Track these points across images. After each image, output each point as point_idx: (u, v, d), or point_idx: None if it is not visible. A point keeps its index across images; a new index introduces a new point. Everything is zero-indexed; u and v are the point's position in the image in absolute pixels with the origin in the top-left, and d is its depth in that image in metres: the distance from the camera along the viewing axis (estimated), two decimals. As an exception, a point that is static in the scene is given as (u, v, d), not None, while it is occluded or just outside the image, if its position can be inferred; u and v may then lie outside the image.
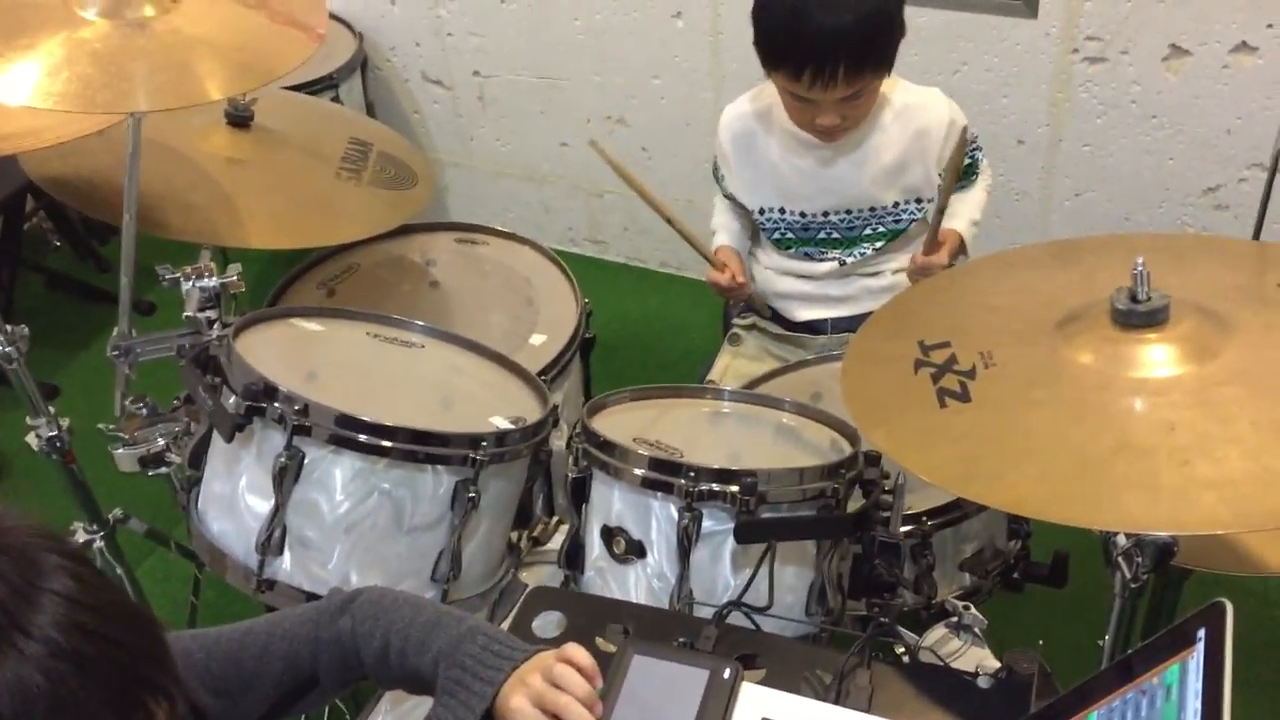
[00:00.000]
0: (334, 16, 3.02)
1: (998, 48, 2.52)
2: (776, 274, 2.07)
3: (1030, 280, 1.26)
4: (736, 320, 2.18)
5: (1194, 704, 0.75)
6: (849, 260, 1.99)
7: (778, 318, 2.11)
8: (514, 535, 1.64)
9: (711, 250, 2.02)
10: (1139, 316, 1.10)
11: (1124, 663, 0.82)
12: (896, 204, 1.93)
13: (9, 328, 1.81)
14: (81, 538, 2.09)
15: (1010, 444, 1.05)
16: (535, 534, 1.73)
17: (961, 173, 1.93)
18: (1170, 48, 2.37)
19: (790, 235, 1.99)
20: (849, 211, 1.94)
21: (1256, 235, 1.54)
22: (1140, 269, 1.10)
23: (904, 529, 1.57)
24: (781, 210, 1.97)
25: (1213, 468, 0.95)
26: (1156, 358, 1.08)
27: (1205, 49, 2.34)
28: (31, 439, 1.93)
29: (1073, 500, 0.97)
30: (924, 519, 1.59)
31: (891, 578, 1.51)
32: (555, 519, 1.76)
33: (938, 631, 1.49)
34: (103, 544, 2.11)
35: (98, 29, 1.44)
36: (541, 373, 1.86)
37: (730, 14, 2.70)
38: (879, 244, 1.97)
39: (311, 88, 2.74)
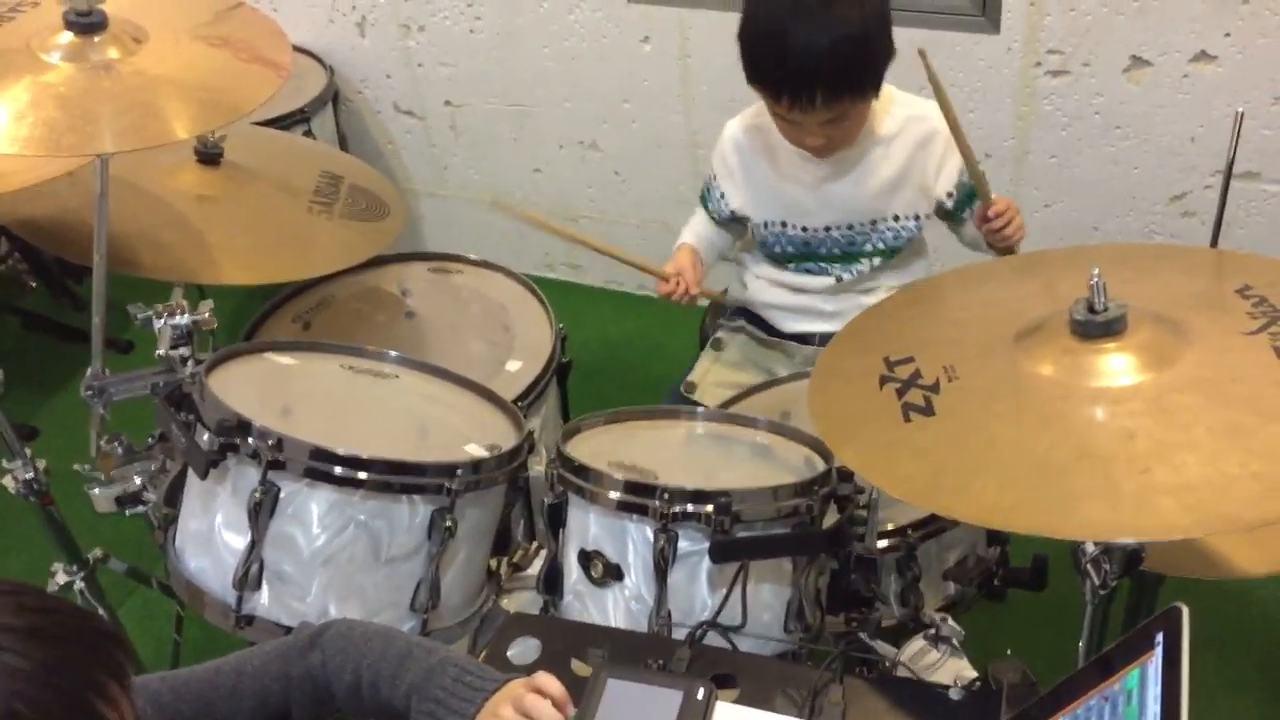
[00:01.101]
0: (304, 50, 3.03)
1: (962, 63, 2.55)
2: (768, 284, 2.07)
3: (992, 294, 1.28)
4: (722, 322, 2.18)
5: (1154, 708, 0.76)
6: (846, 277, 1.98)
7: (763, 325, 2.12)
8: (493, 562, 1.64)
9: (662, 264, 1.99)
10: (1097, 327, 1.11)
11: (1087, 669, 0.83)
12: (897, 217, 1.93)
13: (-20, 370, 1.81)
14: (62, 579, 2.09)
15: (973, 456, 1.06)
16: (515, 560, 1.73)
17: (972, 188, 1.92)
18: (1131, 59, 2.40)
19: (791, 250, 1.99)
20: (850, 227, 1.94)
21: (1214, 242, 1.56)
22: (1097, 280, 1.11)
23: (887, 542, 1.58)
24: (784, 225, 1.96)
25: (1171, 474, 0.97)
26: (1115, 367, 1.10)
27: (1165, 59, 2.38)
28: (8, 481, 1.93)
29: (1035, 509, 0.98)
30: (908, 531, 1.60)
31: (869, 592, 1.52)
32: (535, 544, 1.76)
33: (916, 644, 1.49)
34: (83, 584, 2.10)
35: (62, 73, 1.45)
36: (518, 399, 1.86)
37: (698, 37, 2.72)
38: (877, 261, 1.97)
39: (283, 122, 2.75)
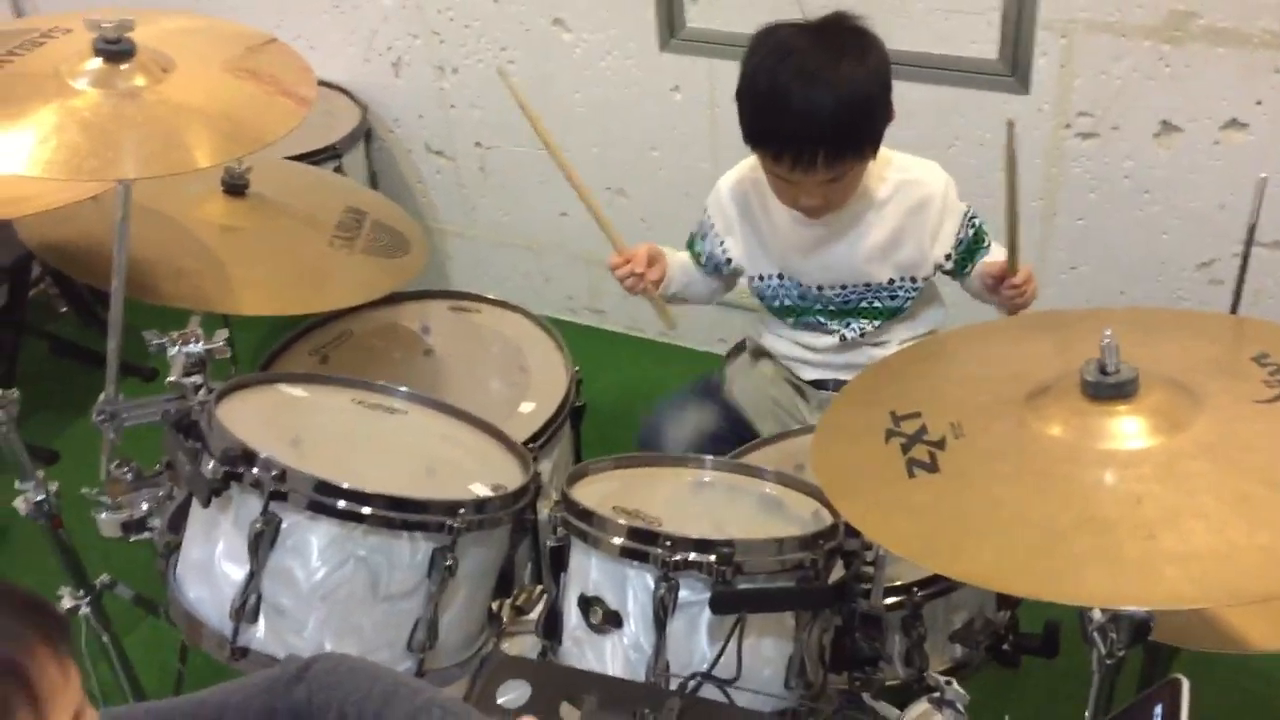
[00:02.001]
0: (338, 88, 3.08)
1: (990, 123, 2.54)
2: (788, 342, 2.05)
3: (1004, 351, 1.26)
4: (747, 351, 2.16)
5: (1149, 782, 0.74)
6: (849, 335, 1.96)
7: (784, 370, 2.09)
8: (495, 604, 1.63)
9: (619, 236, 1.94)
10: (1108, 388, 1.09)
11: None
12: (892, 281, 1.91)
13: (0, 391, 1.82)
14: (68, 603, 2.09)
15: (974, 516, 1.04)
16: (519, 602, 1.71)
17: (973, 244, 1.92)
18: (1161, 124, 2.39)
19: (789, 303, 1.97)
20: (844, 286, 1.92)
21: (1234, 309, 1.54)
22: (1109, 340, 1.10)
23: (893, 600, 1.56)
24: (780, 277, 1.95)
25: (1178, 541, 0.94)
26: (1125, 429, 1.07)
27: (1196, 125, 2.36)
28: (19, 503, 1.93)
29: (1037, 572, 0.96)
30: (914, 589, 1.57)
31: (873, 651, 1.49)
32: (540, 588, 1.74)
33: (920, 706, 1.46)
34: (89, 610, 2.10)
35: (89, 99, 1.47)
36: (530, 440, 1.86)
37: (727, 87, 2.70)
38: (877, 321, 1.95)
39: (315, 158, 2.78)
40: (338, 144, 2.86)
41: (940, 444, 1.12)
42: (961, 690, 1.47)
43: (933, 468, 1.09)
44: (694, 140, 2.86)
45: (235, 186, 1.97)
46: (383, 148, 3.20)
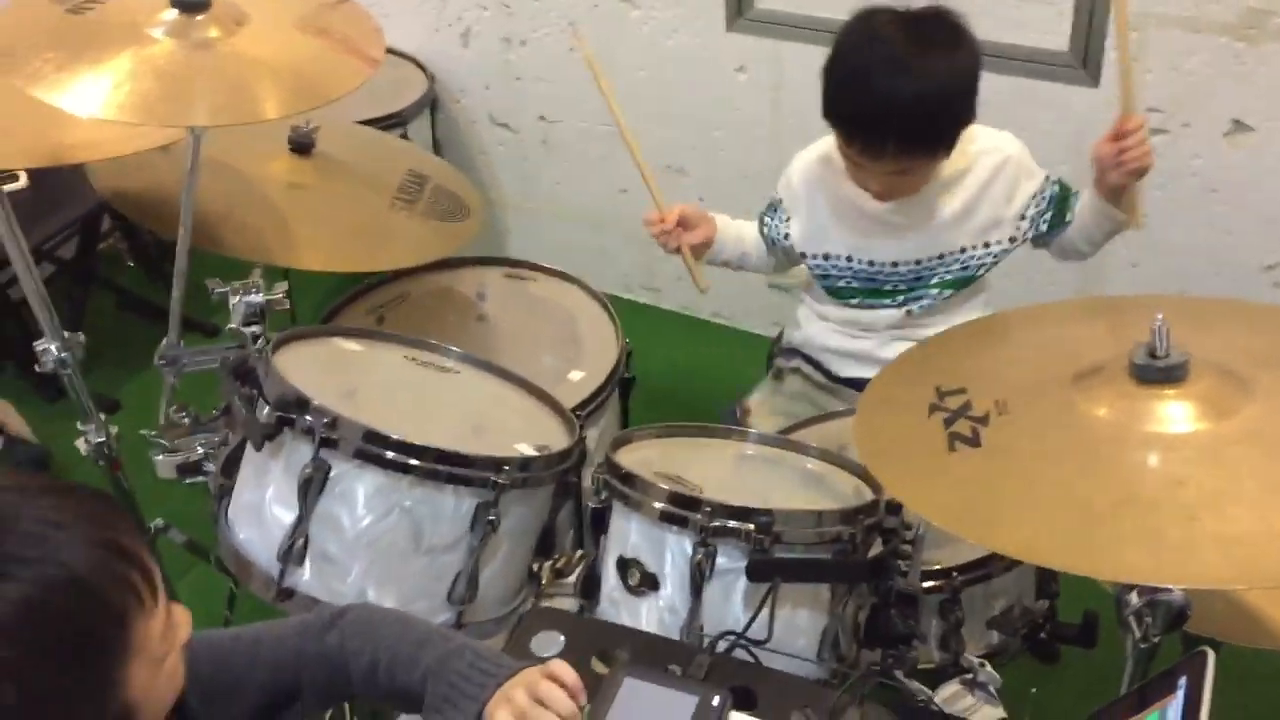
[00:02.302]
0: (406, 56, 3.11)
1: (1057, 114, 2.51)
2: (831, 327, 2.05)
3: (1054, 333, 1.25)
4: (780, 361, 2.17)
5: (1170, 753, 0.74)
6: (915, 309, 1.95)
7: (819, 368, 2.10)
8: (536, 564, 1.65)
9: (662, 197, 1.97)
10: (1157, 372, 1.09)
11: (1110, 708, 0.81)
12: (964, 249, 1.90)
13: (66, 334, 1.88)
14: (123, 544, 2.15)
15: (1015, 490, 1.04)
16: (559, 566, 1.73)
17: (1062, 196, 1.92)
18: (1233, 123, 2.35)
19: (855, 284, 1.96)
20: (918, 262, 1.91)
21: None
22: (1160, 324, 1.09)
23: (932, 584, 1.56)
24: (849, 259, 1.94)
25: (1219, 524, 0.94)
26: (1172, 414, 1.07)
27: (1269, 125, 2.32)
28: (80, 444, 1.99)
29: (1072, 548, 0.96)
30: (953, 574, 1.57)
31: (907, 629, 1.49)
32: (580, 553, 1.76)
33: (952, 686, 1.47)
34: (143, 552, 2.16)
35: (164, 48, 1.51)
36: (577, 408, 1.87)
37: (793, 70, 2.73)
38: (947, 293, 1.94)
39: (380, 124, 2.81)
40: (404, 111, 2.89)
41: (983, 420, 1.12)
42: (994, 673, 1.48)
43: (974, 442, 1.10)
44: (756, 123, 2.86)
45: (302, 145, 2.01)
46: (447, 118, 3.23)
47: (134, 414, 2.86)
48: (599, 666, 1.15)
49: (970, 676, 1.48)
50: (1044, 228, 1.90)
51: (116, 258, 3.58)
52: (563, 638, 1.20)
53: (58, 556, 0.86)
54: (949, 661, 1.58)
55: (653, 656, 1.15)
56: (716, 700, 1.04)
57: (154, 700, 0.95)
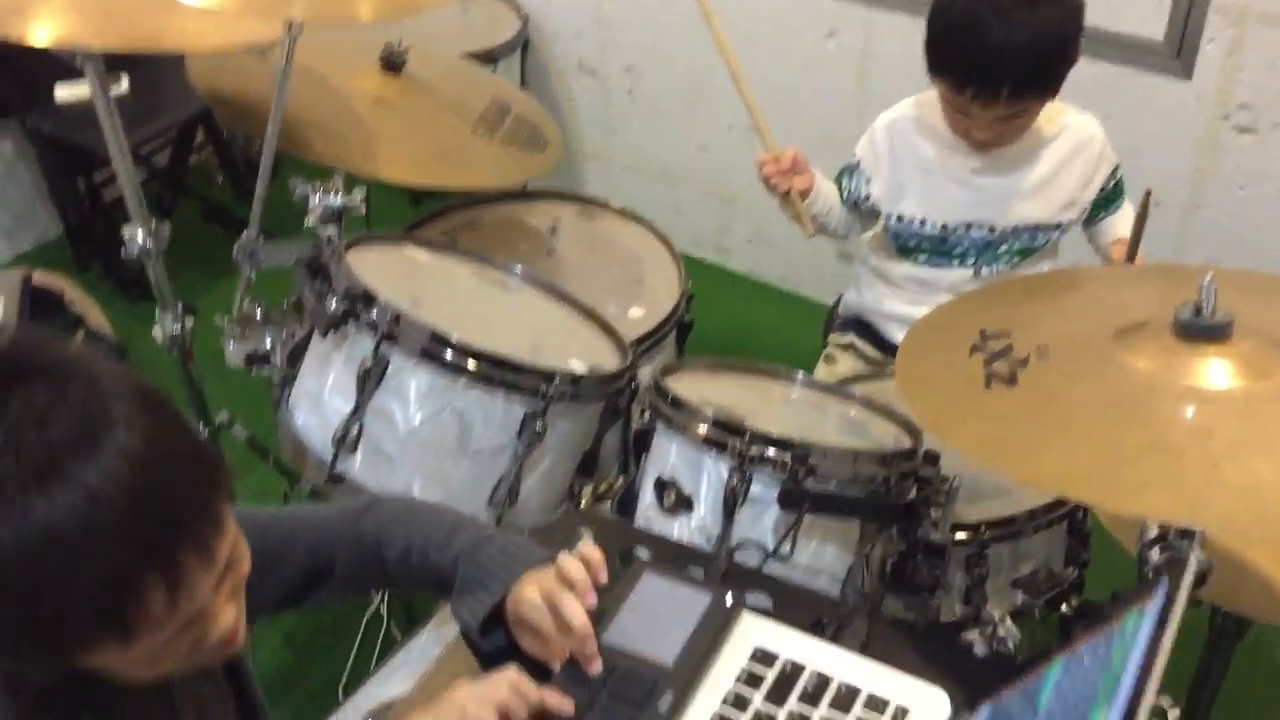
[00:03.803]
0: (504, -3, 3.15)
1: (1146, 105, 2.49)
2: (893, 291, 2.06)
3: (1103, 293, 1.26)
4: (833, 338, 2.20)
5: (1142, 645, 0.77)
6: (985, 271, 1.97)
7: (875, 338, 2.12)
8: (577, 484, 1.69)
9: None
10: (1200, 329, 1.10)
11: (1097, 612, 0.84)
12: (1039, 225, 1.92)
13: (153, 223, 1.96)
14: (188, 435, 2.24)
15: (1045, 427, 1.06)
16: (599, 489, 1.78)
17: (1111, 194, 1.95)
18: (1325, 126, 2.32)
19: (925, 246, 1.99)
20: (992, 229, 1.93)
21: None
22: (1208, 284, 1.10)
23: (960, 536, 1.58)
24: (923, 222, 1.96)
25: (1240, 474, 0.95)
26: (1209, 370, 1.08)
27: (1361, 131, 2.29)
28: (156, 332, 2.08)
29: (1095, 483, 0.98)
30: (982, 529, 1.59)
31: (932, 578, 1.52)
32: (622, 480, 1.80)
33: (970, 635, 1.49)
34: (206, 443, 2.25)
35: (268, -56, 1.57)
36: (634, 343, 1.91)
37: (882, 40, 2.74)
38: (1015, 260, 1.96)
39: (471, 60, 2.86)
40: (495, 50, 2.94)
41: (1023, 362, 1.14)
42: (1015, 629, 1.49)
43: (1011, 381, 1.12)
44: (840, 90, 2.87)
45: (393, 63, 2.06)
46: (537, 61, 3.27)
47: (210, 320, 2.95)
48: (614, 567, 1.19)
49: (990, 629, 1.50)
50: (1087, 215, 1.95)
51: (206, 171, 3.69)
52: (591, 536, 1.24)
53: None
54: (970, 616, 1.60)
55: (675, 559, 1.19)
56: (729, 600, 1.08)
57: (129, 674, 0.87)
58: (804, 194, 1.99)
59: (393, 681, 1.21)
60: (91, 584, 0.77)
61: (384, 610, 2.25)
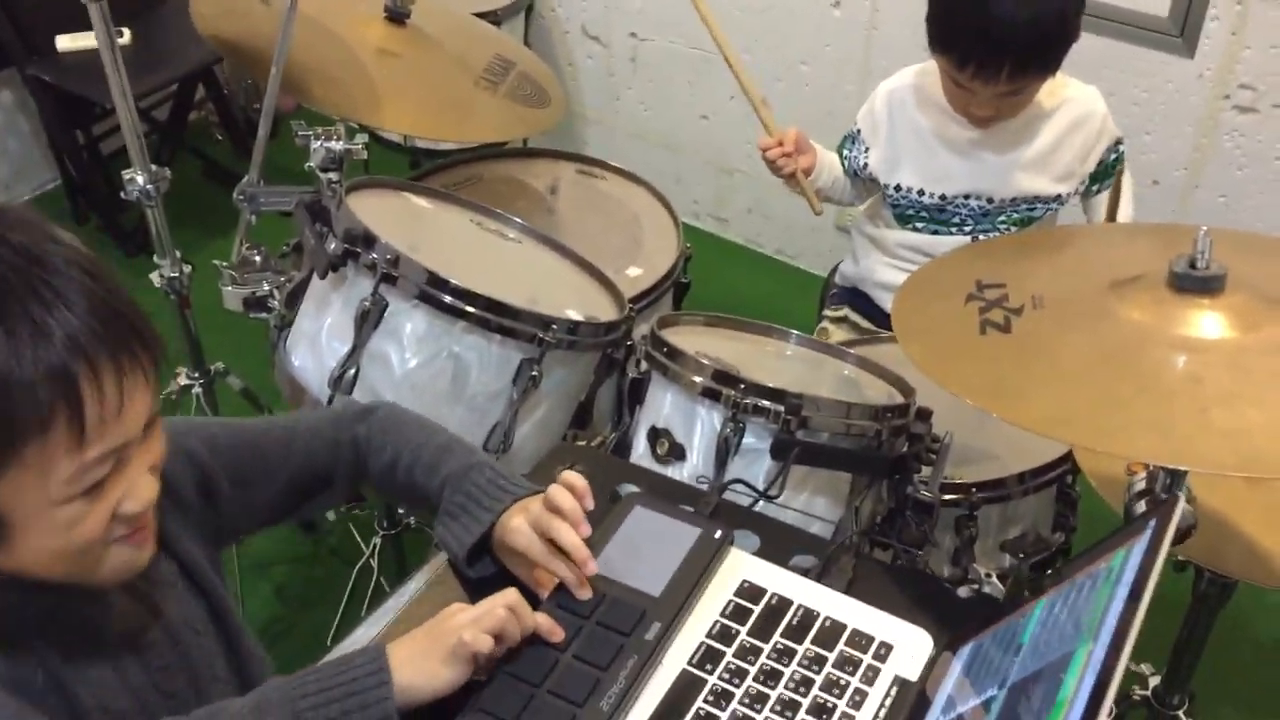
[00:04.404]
0: (509, -42, 3.14)
1: (1148, 82, 2.50)
2: (889, 260, 2.07)
3: (1100, 249, 1.27)
4: (827, 312, 2.21)
5: (1126, 583, 0.78)
6: (982, 239, 1.97)
7: (869, 309, 2.13)
8: (571, 434, 1.70)
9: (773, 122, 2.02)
10: (1194, 281, 1.11)
11: (1083, 553, 0.85)
12: (1037, 196, 1.93)
13: (153, 168, 1.96)
14: (183, 381, 2.24)
15: (1037, 371, 1.07)
16: (592, 443, 1.79)
17: (1111, 166, 1.96)
18: (1325, 107, 2.33)
19: (924, 215, 2.00)
20: (990, 200, 1.94)
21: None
22: (1203, 237, 1.11)
23: (950, 497, 1.59)
24: (921, 192, 1.97)
25: (1229, 419, 0.96)
26: (1201, 321, 1.09)
27: (1362, 113, 2.30)
28: (155, 277, 2.08)
29: (1084, 425, 0.99)
30: (972, 490, 1.61)
31: (920, 534, 1.53)
32: (615, 434, 1.81)
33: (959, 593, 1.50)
34: (200, 390, 2.25)
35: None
36: (632, 300, 1.92)
37: (889, 9, 2.74)
38: (1012, 230, 1.97)
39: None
40: (499, 11, 2.94)
41: (1018, 311, 1.15)
42: (1000, 585, 1.51)
43: (1005, 329, 1.13)
44: (846, 60, 2.87)
45: (397, 15, 2.06)
46: (541, 24, 3.27)
47: (205, 277, 2.95)
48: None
49: (977, 587, 1.51)
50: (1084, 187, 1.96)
51: (206, 129, 3.69)
52: (584, 470, 1.24)
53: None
54: (959, 577, 1.61)
55: (665, 494, 1.20)
56: (718, 535, 1.09)
57: (31, 529, 0.87)
58: (807, 171, 2.00)
59: (380, 627, 1.21)
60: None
61: (374, 563, 2.26)
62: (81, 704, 0.93)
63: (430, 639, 0.95)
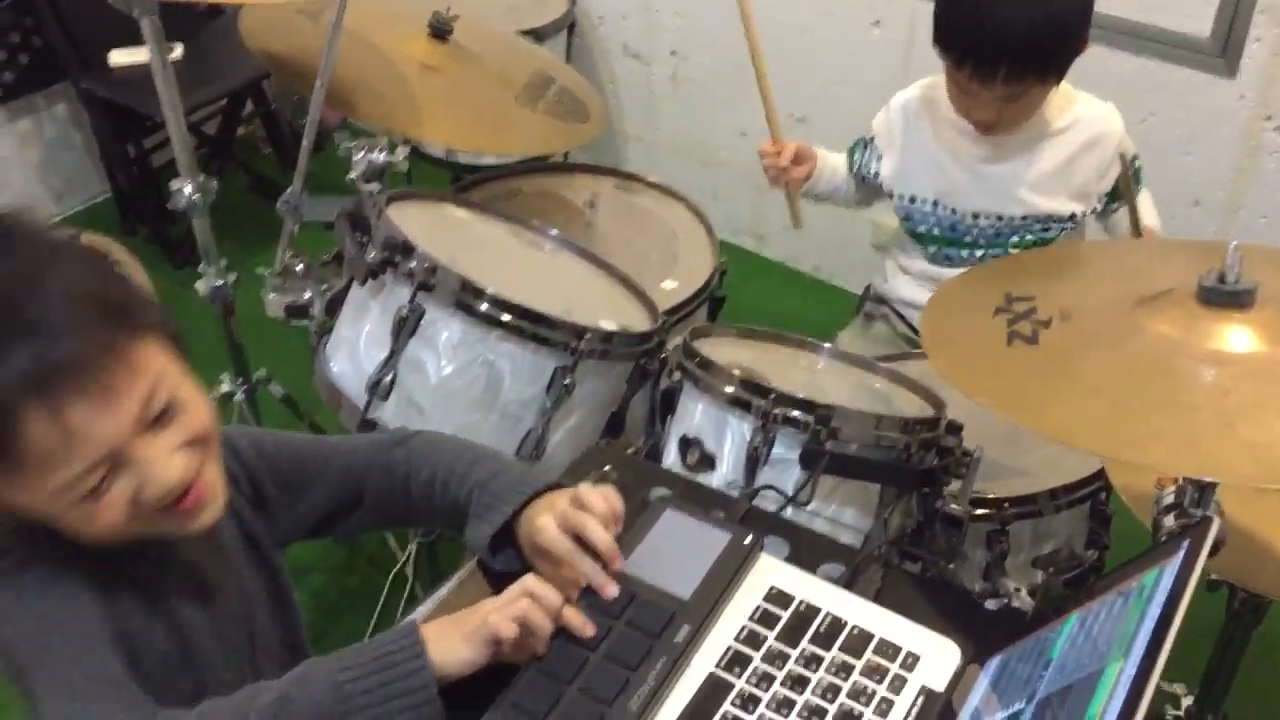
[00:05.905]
0: (552, -23, 3.18)
1: (1189, 102, 2.49)
2: (914, 281, 2.08)
3: (1134, 263, 1.27)
4: (870, 308, 2.21)
5: (1159, 602, 0.78)
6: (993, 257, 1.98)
7: (905, 322, 2.14)
8: (603, 442, 1.71)
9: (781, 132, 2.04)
10: (1223, 295, 1.11)
11: (1116, 569, 0.85)
12: (1050, 215, 1.92)
13: (200, 177, 2.01)
14: (226, 388, 2.28)
15: (1063, 382, 1.08)
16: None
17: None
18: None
19: (936, 231, 2.00)
20: (1000, 217, 1.94)
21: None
22: (1234, 251, 1.11)
23: (981, 512, 1.59)
24: (935, 204, 1.98)
25: (1254, 432, 0.96)
26: (1230, 334, 1.09)
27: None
28: (200, 285, 2.13)
29: (1108, 435, 0.99)
30: (1005, 505, 1.60)
31: (948, 547, 1.53)
32: (646, 444, 1.82)
33: (988, 607, 1.50)
34: (244, 397, 2.29)
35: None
36: (665, 313, 1.93)
37: (927, 29, 2.73)
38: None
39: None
40: (541, 29, 2.97)
41: (1046, 323, 1.15)
42: (1031, 600, 1.51)
43: (1032, 341, 1.13)
44: (885, 80, 2.86)
45: (440, 31, 2.10)
46: (583, 42, 3.30)
47: (249, 288, 3.01)
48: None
49: (1006, 601, 1.51)
50: (1103, 206, 1.95)
51: (254, 143, 3.75)
52: (614, 472, 1.26)
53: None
54: (989, 592, 1.61)
55: (697, 499, 1.21)
56: (748, 540, 1.10)
57: (63, 521, 0.92)
58: (802, 181, 2.03)
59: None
60: None
61: (409, 571, 2.28)
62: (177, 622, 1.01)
63: (454, 621, 0.99)
